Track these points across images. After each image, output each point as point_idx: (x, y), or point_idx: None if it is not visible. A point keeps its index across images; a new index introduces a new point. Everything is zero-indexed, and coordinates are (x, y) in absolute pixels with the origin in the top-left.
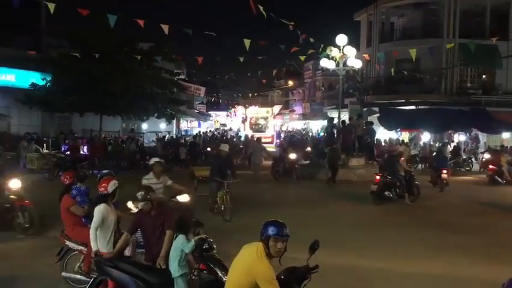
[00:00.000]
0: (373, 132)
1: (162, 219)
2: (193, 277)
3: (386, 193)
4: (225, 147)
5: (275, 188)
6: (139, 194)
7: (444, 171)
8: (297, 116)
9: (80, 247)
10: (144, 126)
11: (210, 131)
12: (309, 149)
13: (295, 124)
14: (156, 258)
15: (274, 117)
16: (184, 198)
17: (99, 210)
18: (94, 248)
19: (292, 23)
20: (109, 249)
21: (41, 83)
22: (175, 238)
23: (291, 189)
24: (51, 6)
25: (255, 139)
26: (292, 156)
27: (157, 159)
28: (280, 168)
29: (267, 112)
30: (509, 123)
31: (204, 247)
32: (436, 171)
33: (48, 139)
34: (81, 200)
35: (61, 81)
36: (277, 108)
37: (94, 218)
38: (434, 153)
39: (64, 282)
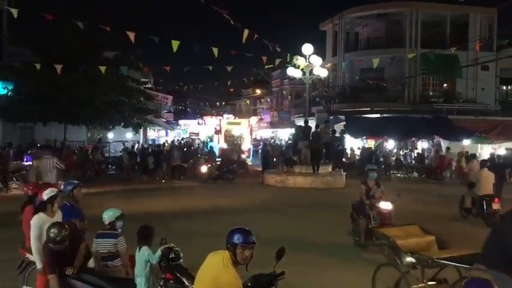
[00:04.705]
0: (343, 140)
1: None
2: (159, 287)
3: None
4: None
5: None
6: (52, 232)
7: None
8: (265, 124)
9: None
10: (110, 135)
11: (177, 140)
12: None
13: (264, 132)
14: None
15: (251, 130)
16: None
17: (34, 220)
18: (38, 263)
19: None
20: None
21: (2, 92)
22: (139, 250)
23: None
24: (14, 11)
25: None
26: (387, 205)
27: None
28: None
29: (243, 124)
30: (470, 131)
31: (171, 256)
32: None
33: (9, 149)
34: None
35: (23, 90)
36: (254, 119)
37: (32, 229)
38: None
39: None
